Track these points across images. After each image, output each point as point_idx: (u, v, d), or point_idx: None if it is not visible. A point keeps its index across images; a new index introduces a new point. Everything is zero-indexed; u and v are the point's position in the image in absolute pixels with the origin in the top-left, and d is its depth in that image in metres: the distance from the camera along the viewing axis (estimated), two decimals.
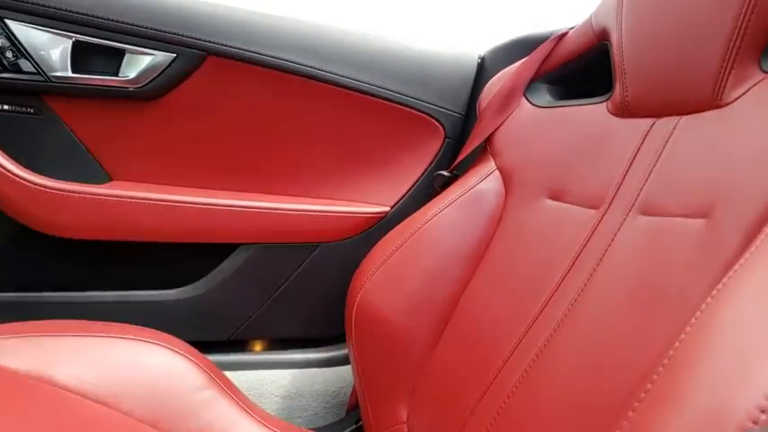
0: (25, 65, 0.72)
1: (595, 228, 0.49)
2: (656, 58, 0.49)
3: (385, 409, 0.63)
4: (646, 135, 0.49)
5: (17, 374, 0.52)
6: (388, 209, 0.89)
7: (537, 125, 0.64)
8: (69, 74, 0.74)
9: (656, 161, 0.46)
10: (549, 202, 0.57)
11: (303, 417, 0.89)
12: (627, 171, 0.49)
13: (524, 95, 0.68)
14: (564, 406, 0.41)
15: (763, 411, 0.23)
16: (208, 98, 0.80)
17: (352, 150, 0.87)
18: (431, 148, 0.89)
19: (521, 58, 0.71)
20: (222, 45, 0.77)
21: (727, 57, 0.42)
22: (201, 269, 0.86)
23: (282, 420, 0.64)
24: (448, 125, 0.89)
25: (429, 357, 0.61)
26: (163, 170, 0.83)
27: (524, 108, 0.67)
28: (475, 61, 0.91)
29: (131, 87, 0.76)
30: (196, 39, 0.76)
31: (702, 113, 0.44)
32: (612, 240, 0.46)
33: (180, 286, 0.86)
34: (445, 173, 0.77)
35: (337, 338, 0.93)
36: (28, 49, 0.72)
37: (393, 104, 0.85)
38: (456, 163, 0.76)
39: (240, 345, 0.91)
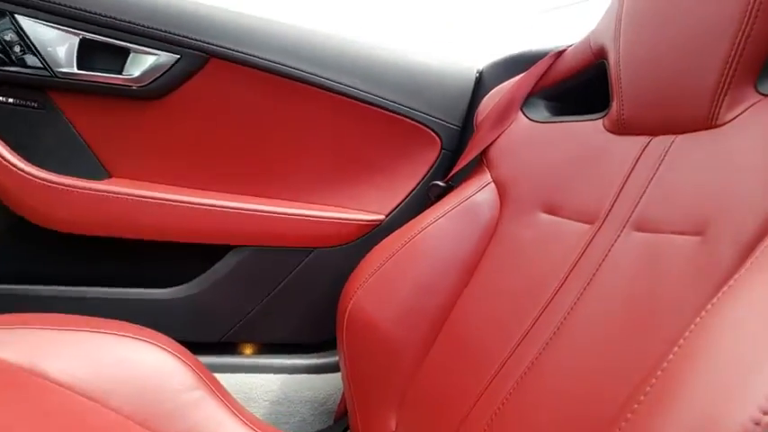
0: (32, 60, 0.73)
1: (589, 243, 0.49)
2: (653, 77, 0.49)
3: (374, 417, 0.63)
4: (641, 152, 0.49)
5: (8, 365, 0.52)
6: (383, 217, 0.89)
7: (533, 139, 0.65)
8: (75, 70, 0.75)
9: (652, 178, 0.47)
10: (544, 215, 0.57)
11: (291, 423, 0.89)
12: (622, 187, 0.49)
13: (521, 110, 0.69)
14: (556, 418, 0.41)
15: (757, 424, 0.24)
16: (209, 100, 0.81)
17: (349, 157, 0.88)
18: (427, 159, 0.90)
19: (518, 74, 0.71)
20: (225, 48, 0.78)
21: (723, 78, 0.43)
22: (196, 269, 0.86)
23: (270, 425, 0.63)
24: (445, 137, 0.89)
25: (420, 366, 0.61)
26: (161, 169, 0.83)
27: (521, 122, 0.68)
28: (473, 75, 0.92)
29: (134, 86, 0.77)
30: (200, 41, 0.77)
31: (698, 133, 0.45)
32: (606, 256, 0.47)
33: (174, 285, 0.86)
34: (441, 183, 0.77)
35: (328, 345, 0.93)
36: (36, 45, 0.73)
37: (392, 114, 0.86)
38: (452, 174, 0.76)
39: (231, 347, 0.91)
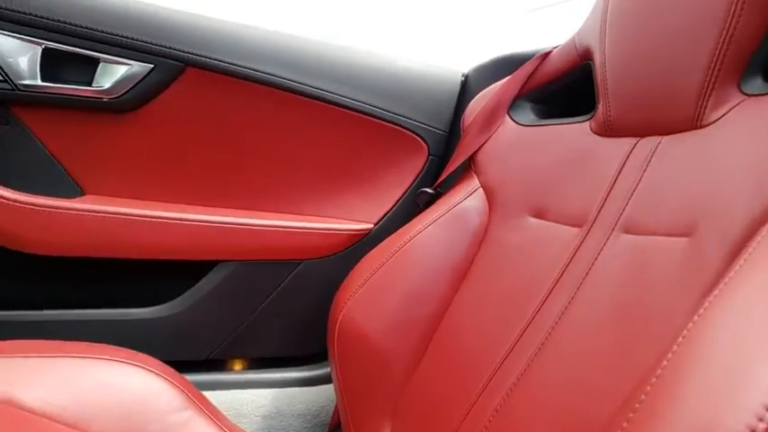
0: None
1: (579, 246, 0.49)
2: (638, 78, 0.49)
3: (367, 428, 0.62)
4: (628, 154, 0.49)
5: None
6: (371, 226, 0.88)
7: (520, 143, 0.64)
8: (39, 82, 0.71)
9: (639, 180, 0.47)
10: (533, 220, 0.57)
11: None
12: (610, 190, 0.49)
13: (508, 113, 0.69)
14: (549, 425, 0.40)
15: (753, 431, 0.24)
16: (186, 111, 0.78)
17: (334, 166, 0.87)
18: (415, 165, 0.89)
19: (504, 77, 0.71)
20: (202, 57, 0.76)
21: (708, 79, 0.43)
22: (179, 286, 0.84)
23: None
24: (432, 142, 0.89)
25: (412, 376, 0.61)
26: (139, 185, 0.81)
27: (508, 126, 0.68)
28: (459, 79, 0.92)
29: (105, 98, 0.74)
30: (175, 49, 0.74)
31: (684, 134, 0.45)
32: (596, 259, 0.47)
33: (157, 304, 0.83)
34: (429, 190, 0.77)
35: (318, 357, 0.92)
36: None
37: (377, 120, 0.85)
38: (440, 180, 0.76)
39: (220, 364, 0.89)
